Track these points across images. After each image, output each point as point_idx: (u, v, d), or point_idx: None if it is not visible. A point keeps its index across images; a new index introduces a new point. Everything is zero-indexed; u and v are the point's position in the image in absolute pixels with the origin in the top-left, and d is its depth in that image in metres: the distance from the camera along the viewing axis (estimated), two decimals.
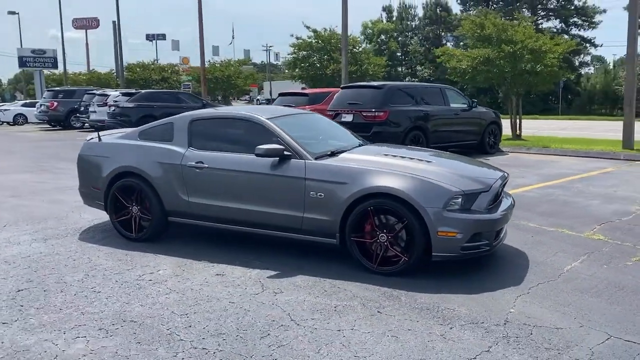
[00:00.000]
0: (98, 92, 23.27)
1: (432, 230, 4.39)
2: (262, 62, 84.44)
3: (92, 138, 6.20)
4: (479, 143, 13.01)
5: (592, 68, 58.46)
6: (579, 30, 50.84)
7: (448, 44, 58.47)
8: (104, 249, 5.45)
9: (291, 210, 4.91)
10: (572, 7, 50.12)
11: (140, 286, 4.44)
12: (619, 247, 5.43)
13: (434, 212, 4.38)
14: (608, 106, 47.45)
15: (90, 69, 44.81)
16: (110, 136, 6.18)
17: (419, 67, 55.54)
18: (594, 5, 49.08)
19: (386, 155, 5.29)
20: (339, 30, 25.17)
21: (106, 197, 5.79)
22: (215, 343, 3.44)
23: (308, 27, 24.44)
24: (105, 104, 20.35)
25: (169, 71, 38.94)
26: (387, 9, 63.86)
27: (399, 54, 58.59)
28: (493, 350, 3.31)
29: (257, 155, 4.94)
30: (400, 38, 60.16)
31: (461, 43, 58.39)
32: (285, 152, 4.96)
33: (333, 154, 5.17)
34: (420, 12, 60.88)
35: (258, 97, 69.80)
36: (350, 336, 3.51)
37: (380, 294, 4.22)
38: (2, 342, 3.47)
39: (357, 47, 24.37)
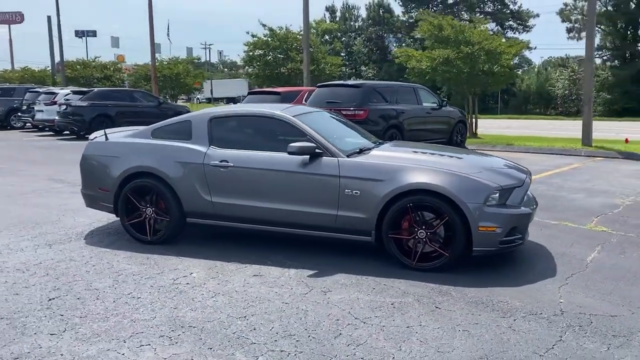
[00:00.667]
0: (42, 90, 22.12)
1: (473, 225, 4.47)
2: (207, 60, 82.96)
3: (96, 137, 5.89)
4: (447, 141, 13.34)
5: (520, 70, 61.21)
6: (515, 33, 53.09)
7: (391, 45, 59.65)
8: (120, 253, 5.20)
9: (324, 209, 4.86)
10: (508, 11, 52.27)
11: (180, 290, 4.26)
12: (626, 238, 5.72)
13: (475, 208, 4.46)
14: (542, 106, 49.85)
15: (23, 66, 42.39)
16: (116, 135, 5.89)
17: (363, 68, 56.25)
18: (527, 9, 51.34)
19: (415, 152, 5.34)
20: (293, 29, 25.17)
21: (116, 199, 5.53)
22: (290, 344, 3.36)
23: (264, 25, 24.25)
24: (53, 103, 19.37)
25: (112, 69, 37.54)
26: (331, 9, 64.32)
27: (343, 54, 59.10)
28: (566, 339, 3.41)
29: (290, 153, 4.86)
30: (343, 38, 60.71)
31: (403, 44, 59.71)
32: (317, 150, 4.90)
33: (361, 151, 5.16)
34: (363, 13, 61.70)
35: (197, 97, 68.23)
36: (423, 332, 3.52)
37: (429, 289, 4.26)
38: (62, 355, 3.25)
39: (314, 47, 24.37)
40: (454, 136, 13.55)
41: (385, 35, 59.74)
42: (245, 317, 3.76)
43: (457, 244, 4.55)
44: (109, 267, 4.80)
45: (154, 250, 5.27)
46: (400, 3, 56.63)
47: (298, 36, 23.67)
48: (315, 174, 4.88)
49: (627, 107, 40.65)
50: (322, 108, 10.66)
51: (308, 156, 4.92)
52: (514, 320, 3.70)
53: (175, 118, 5.73)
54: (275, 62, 23.90)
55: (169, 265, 4.85)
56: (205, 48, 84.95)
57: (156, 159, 5.36)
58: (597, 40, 47.42)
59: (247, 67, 25.03)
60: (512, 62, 18.44)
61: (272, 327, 3.60)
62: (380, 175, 4.71)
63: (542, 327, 3.59)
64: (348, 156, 4.94)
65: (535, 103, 50.87)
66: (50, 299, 4.09)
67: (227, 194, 5.15)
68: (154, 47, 24.55)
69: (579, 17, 44.81)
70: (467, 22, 20.01)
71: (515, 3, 52.86)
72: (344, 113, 10.61)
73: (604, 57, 46.44)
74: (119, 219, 5.66)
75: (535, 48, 68.77)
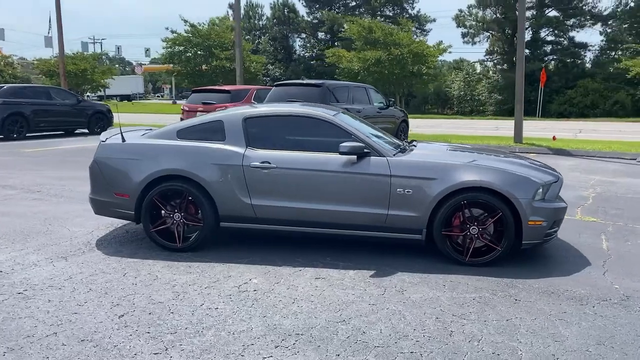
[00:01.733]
0: None
1: (524, 220, 4.71)
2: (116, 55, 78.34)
3: (108, 139, 5.43)
4: None
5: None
6: (413, 36, 55.60)
7: (296, 44, 60.10)
8: (155, 263, 4.85)
9: (374, 208, 4.87)
10: (407, 15, 54.66)
11: (253, 298, 4.08)
12: (620, 227, 6.29)
13: (525, 203, 4.70)
14: (439, 106, 52.70)
15: None
16: (132, 136, 5.47)
17: (270, 67, 56.12)
18: (425, 14, 54.06)
19: (454, 151, 5.49)
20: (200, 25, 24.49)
21: (138, 205, 5.15)
22: (413, 346, 3.35)
23: (186, 21, 23.37)
24: None
25: (2, 63, 34.35)
26: (233, 7, 63.43)
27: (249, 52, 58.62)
28: None
29: (342, 153, 4.82)
30: (248, 37, 60.17)
31: (307, 45, 60.25)
32: (365, 150, 4.90)
33: (402, 150, 5.23)
34: (267, 12, 61.51)
35: (88, 95, 64.10)
36: (525, 324, 3.66)
37: (495, 284, 4.42)
38: None
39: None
40: (399, 135, 13.99)
41: (290, 35, 60.02)
42: (344, 320, 3.69)
43: (508, 238, 4.76)
44: (155, 279, 4.47)
45: (187, 258, 4.99)
46: (304, 3, 57.23)
47: (222, 33, 23.15)
48: (366, 174, 4.87)
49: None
50: None
51: (355, 156, 4.89)
52: (593, 307, 3.96)
53: (201, 118, 5.44)
54: (196, 60, 23.15)
55: (219, 273, 4.61)
56: (94, 42, 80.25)
57: (189, 160, 5.06)
58: (486, 45, 51.19)
59: (166, 64, 23.95)
60: (436, 64, 19.35)
61: (381, 330, 3.56)
62: (433, 174, 4.80)
63: (625, 313, 3.87)
64: (394, 155, 4.98)
65: (433, 103, 53.67)
66: (119, 316, 3.74)
67: (269, 196, 4.99)
68: (62, 41, 22.78)
69: (473, 22, 47.87)
70: (394, 25, 20.70)
71: (413, 7, 55.34)
72: None
73: (494, 61, 49.99)
74: (123, 224, 5.28)
75: (450, 52, 72.20)
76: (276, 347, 3.33)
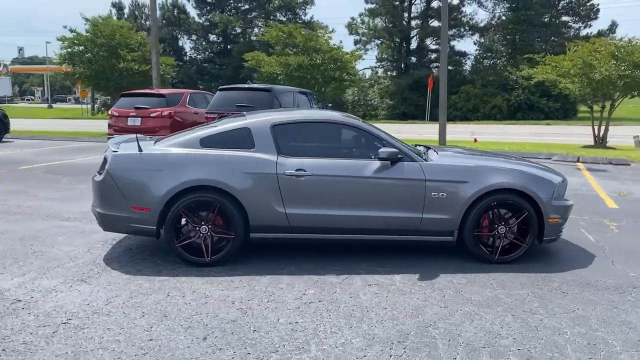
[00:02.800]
0: None
1: (545, 217, 5.07)
2: None
3: (121, 149, 4.99)
4: None
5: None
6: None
7: (186, 45, 58.49)
8: (190, 280, 4.56)
9: (410, 212, 4.97)
10: (301, 21, 55.43)
11: (326, 309, 3.99)
12: (587, 221, 6.94)
13: (547, 202, 5.06)
14: (334, 110, 54.08)
15: None
16: (146, 145, 5.08)
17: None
18: (318, 20, 55.19)
19: (471, 154, 5.72)
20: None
21: (160, 219, 4.81)
22: (515, 343, 3.50)
23: (87, 20, 21.75)
24: None
25: None
26: (118, 6, 60.24)
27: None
28: None
29: (381, 159, 4.88)
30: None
31: (199, 47, 58.79)
32: (399, 155, 4.99)
33: (421, 154, 5.36)
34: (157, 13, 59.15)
35: None
36: (591, 315, 3.95)
37: (533, 279, 4.70)
38: None
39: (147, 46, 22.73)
40: None
41: (180, 36, 58.29)
42: (432, 325, 3.75)
43: (532, 236, 5.09)
44: (206, 296, 4.21)
45: (219, 273, 4.75)
46: (195, 5, 55.93)
47: (126, 33, 21.91)
48: (402, 179, 4.96)
49: (406, 112, 46.43)
50: (232, 112, 10.39)
51: (389, 162, 4.96)
52: (631, 294, 4.36)
53: (225, 126, 5.17)
54: (99, 61, 21.65)
55: (269, 286, 4.45)
56: None
57: (219, 170, 4.82)
58: (375, 53, 53.35)
59: (64, 65, 22.13)
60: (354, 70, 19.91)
61: (474, 331, 3.66)
62: (466, 177, 5.00)
63: None
64: (424, 160, 5.11)
65: (329, 108, 55.07)
66: (203, 339, 3.50)
67: (304, 204, 4.90)
68: None
69: (365, 30, 49.70)
70: (311, 31, 20.92)
71: (305, 13, 56.24)
72: None
73: (384, 68, 52.25)
74: (118, 240, 4.93)
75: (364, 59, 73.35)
76: (390, 356, 3.30)
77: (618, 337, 3.60)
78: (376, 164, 4.95)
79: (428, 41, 49.99)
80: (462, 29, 49.96)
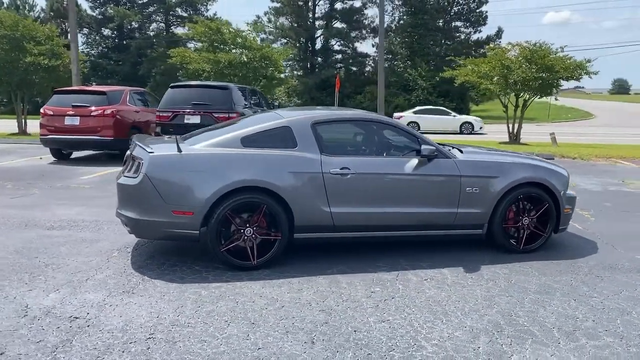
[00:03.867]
0: None
1: (562, 208, 5.46)
2: None
3: (156, 150, 4.65)
4: None
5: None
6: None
7: (80, 40, 54.84)
8: (249, 285, 4.38)
9: (446, 208, 5.14)
10: (203, 17, 54.04)
11: (404, 305, 4.03)
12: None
13: (562, 194, 5.46)
14: None
15: None
16: (182, 146, 4.78)
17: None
18: (222, 18, 54.13)
19: (490, 151, 5.97)
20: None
21: (204, 223, 4.58)
22: (595, 325, 3.76)
23: None
24: None
25: None
26: None
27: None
28: None
29: (424, 156, 5.00)
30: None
31: (92, 41, 55.41)
32: (435, 153, 5.13)
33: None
34: (42, 3, 54.86)
35: None
36: (637, 296, 4.35)
37: (564, 267, 5.04)
38: None
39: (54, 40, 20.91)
40: None
41: (69, 29, 54.52)
42: (514, 313, 3.92)
43: (551, 226, 5.46)
44: (277, 300, 4.08)
45: (270, 276, 4.61)
46: None
47: (32, 25, 20.08)
48: (440, 175, 5.10)
49: None
50: (187, 110, 10.06)
51: (427, 159, 5.09)
52: None
53: (263, 125, 4.99)
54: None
55: (330, 286, 4.39)
56: None
57: (265, 170, 4.67)
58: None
59: None
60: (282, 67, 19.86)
61: (555, 317, 3.88)
62: (496, 172, 5.26)
63: None
64: (456, 157, 5.30)
65: (277, 107, 54.54)
66: (312, 342, 3.40)
67: (348, 203, 4.89)
68: None
69: (272, 29, 49.59)
70: (239, 29, 20.50)
71: (207, 9, 54.99)
72: (217, 116, 10.25)
73: (291, 67, 52.50)
74: (131, 245, 4.67)
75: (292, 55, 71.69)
76: (502, 345, 3.42)
77: None
78: (414, 161, 5.05)
79: (333, 42, 50.96)
80: (364, 31, 51.50)
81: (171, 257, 5.04)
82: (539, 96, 18.09)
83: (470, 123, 26.64)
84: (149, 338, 3.42)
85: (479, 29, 50.11)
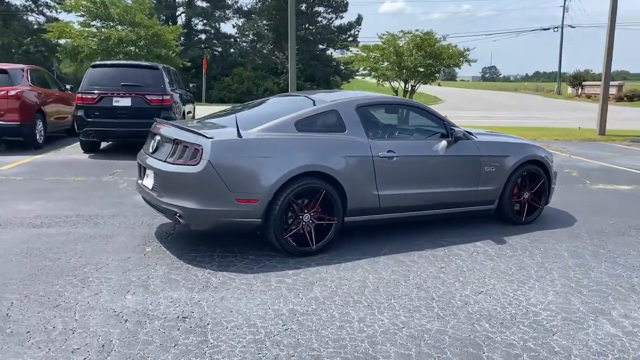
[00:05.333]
0: None
1: (552, 183, 6.15)
2: None
3: (213, 136, 4.33)
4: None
5: None
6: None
7: None
8: (319, 270, 4.35)
9: (470, 186, 5.51)
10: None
11: (484, 276, 4.32)
12: None
13: (553, 170, 6.14)
14: None
15: None
16: (243, 131, 4.50)
17: None
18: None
19: (496, 133, 6.43)
20: None
21: (267, 210, 4.42)
22: None
23: None
24: None
25: None
26: None
27: None
28: None
29: (457, 138, 5.30)
30: None
31: None
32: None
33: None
34: None
35: None
36: None
37: (566, 234, 5.68)
38: None
39: None
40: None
41: None
42: (580, 276, 4.41)
43: (545, 199, 6.11)
44: (364, 282, 4.12)
45: (331, 259, 4.61)
46: None
47: None
48: (466, 156, 5.45)
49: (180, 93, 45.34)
50: (116, 91, 9.41)
51: (452, 140, 5.41)
52: (631, 234, 5.69)
53: (312, 108, 4.87)
54: None
55: (400, 265, 4.53)
56: None
57: (323, 155, 4.62)
58: None
59: None
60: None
61: (611, 276, 4.44)
62: (508, 152, 5.74)
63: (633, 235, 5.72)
64: (474, 138, 5.67)
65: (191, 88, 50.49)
66: (439, 316, 3.55)
67: (392, 185, 5.03)
68: None
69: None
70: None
71: None
72: (150, 98, 9.71)
73: None
74: (154, 240, 4.52)
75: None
76: (603, 308, 3.86)
77: None
78: (444, 143, 5.31)
79: (196, 21, 49.22)
80: (227, 11, 50.45)
81: (213, 247, 4.77)
82: (424, 82, 19.41)
83: None
84: (287, 330, 3.30)
85: (340, 15, 51.73)
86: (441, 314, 3.59)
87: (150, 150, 4.78)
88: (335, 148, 4.70)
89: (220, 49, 49.60)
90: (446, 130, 5.39)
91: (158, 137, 4.76)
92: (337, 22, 51.51)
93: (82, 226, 5.37)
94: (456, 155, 5.38)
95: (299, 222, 4.58)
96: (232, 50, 49.74)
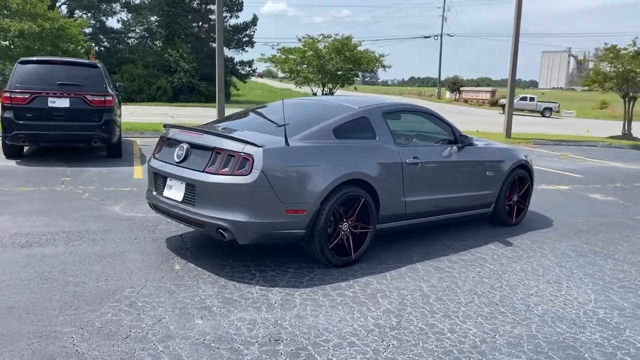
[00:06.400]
0: None
1: (532, 186, 6.56)
2: None
3: (264, 144, 4.06)
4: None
5: None
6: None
7: None
8: (372, 281, 4.30)
9: (475, 190, 5.71)
10: None
11: (526, 277, 4.52)
12: None
13: (533, 173, 6.56)
14: None
15: None
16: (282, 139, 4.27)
17: None
18: None
19: (486, 139, 6.65)
20: None
21: (313, 220, 4.27)
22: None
23: None
24: None
25: None
26: None
27: None
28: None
29: (470, 144, 5.47)
30: None
31: None
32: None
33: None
34: None
35: None
36: (600, 241, 5.63)
37: (555, 234, 6.11)
38: None
39: None
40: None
41: None
42: (597, 270, 4.76)
43: (528, 200, 6.50)
44: (420, 289, 4.13)
45: (374, 269, 4.56)
46: None
47: None
48: (474, 161, 5.64)
49: None
50: (51, 91, 8.64)
51: (460, 146, 5.58)
52: (589, 234, 6.25)
53: (345, 115, 4.73)
54: None
55: (440, 272, 4.59)
56: None
57: (362, 162, 4.56)
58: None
59: None
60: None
61: (627, 274, 4.85)
62: (503, 157, 6.02)
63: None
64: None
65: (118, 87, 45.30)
66: (528, 307, 3.67)
67: (416, 191, 5.07)
68: None
69: None
70: None
71: None
72: (90, 99, 9.03)
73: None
74: (173, 256, 4.36)
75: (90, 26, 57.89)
76: (624, 292, 4.19)
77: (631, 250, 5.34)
78: (455, 148, 5.47)
79: (79, 13, 45.91)
80: (114, 5, 47.73)
81: (243, 260, 4.52)
82: (342, 86, 19.75)
83: None
84: (390, 345, 3.22)
85: (235, 14, 51.02)
86: (517, 319, 3.68)
87: (176, 160, 4.40)
88: (370, 155, 4.65)
89: (107, 45, 46.74)
90: (454, 136, 5.54)
91: (185, 145, 4.39)
92: (232, 21, 50.73)
93: (79, 244, 4.81)
94: (466, 161, 5.56)
95: (338, 231, 4.46)
96: (120, 46, 47.10)
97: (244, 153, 4.02)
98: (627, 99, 21.71)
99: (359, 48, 19.21)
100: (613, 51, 21.07)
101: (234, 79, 51.28)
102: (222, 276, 4.17)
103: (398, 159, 4.84)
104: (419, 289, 4.13)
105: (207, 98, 42.92)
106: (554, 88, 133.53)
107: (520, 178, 6.30)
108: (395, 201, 4.85)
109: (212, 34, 50.53)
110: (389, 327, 3.46)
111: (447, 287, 4.20)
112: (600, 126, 29.23)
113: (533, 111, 44.15)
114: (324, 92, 19.41)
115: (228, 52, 51.03)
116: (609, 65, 21.18)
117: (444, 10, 72.94)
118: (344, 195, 4.38)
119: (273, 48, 19.52)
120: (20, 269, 4.13)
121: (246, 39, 51.88)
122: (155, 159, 4.75)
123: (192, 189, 4.18)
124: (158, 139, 5.02)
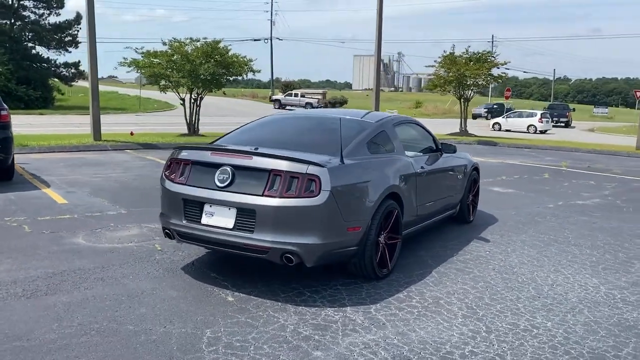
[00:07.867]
0: None
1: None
2: None
3: (327, 164, 3.96)
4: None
5: None
6: None
7: None
8: (416, 291, 4.48)
9: (451, 193, 6.18)
10: None
11: (541, 268, 5.05)
12: None
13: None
14: None
15: None
16: (326, 154, 4.19)
17: None
18: None
19: None
20: None
21: (364, 237, 4.31)
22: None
23: None
24: None
25: None
26: None
27: None
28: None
29: (455, 151, 5.91)
30: None
31: None
32: None
33: None
34: None
35: None
36: (606, 225, 6.55)
37: (518, 225, 6.85)
38: None
39: None
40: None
41: None
42: (577, 252, 5.49)
43: (477, 199, 7.17)
44: (468, 295, 4.38)
45: (411, 279, 4.71)
46: None
47: None
48: (453, 166, 6.14)
49: None
50: None
51: (441, 153, 6.00)
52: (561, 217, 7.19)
53: (370, 130, 4.81)
54: None
55: (472, 276, 4.90)
56: None
57: (394, 175, 4.70)
58: None
59: None
60: None
61: (600, 250, 5.65)
62: (465, 161, 6.58)
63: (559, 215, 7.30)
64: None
65: None
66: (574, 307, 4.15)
67: (422, 198, 5.33)
68: None
69: None
70: None
71: None
72: None
73: None
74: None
75: None
76: (612, 270, 4.95)
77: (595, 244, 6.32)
78: (443, 156, 5.89)
79: None
80: None
81: (291, 284, 4.37)
82: (210, 91, 19.18)
83: None
84: (498, 354, 3.43)
85: (56, 11, 46.42)
86: (586, 313, 4.02)
87: (219, 184, 4.07)
88: (397, 167, 4.82)
89: None
90: (435, 144, 5.92)
91: (228, 168, 4.09)
92: (52, 19, 46.03)
93: (91, 286, 4.21)
94: (448, 167, 5.99)
95: (378, 244, 4.54)
96: None
97: (308, 174, 3.90)
98: (462, 99, 24.56)
99: (230, 53, 18.86)
100: (451, 58, 23.65)
101: (58, 83, 46.62)
102: (284, 301, 4.01)
103: (412, 169, 5.06)
104: (469, 296, 4.32)
105: (26, 104, 38.20)
106: (365, 89, 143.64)
107: (474, 179, 6.93)
108: (411, 209, 5.07)
109: (26, 33, 45.43)
110: (484, 330, 3.65)
111: (489, 288, 4.49)
112: (433, 125, 32.47)
113: None
114: (192, 97, 18.66)
115: (47, 53, 46.41)
116: (447, 70, 23.69)
117: (272, 15, 74.91)
118: (386, 208, 4.47)
119: (137, 52, 18.09)
120: (57, 323, 3.51)
121: (69, 38, 47.46)
122: (180, 183, 4.33)
123: (250, 214, 3.92)
124: (168, 160, 4.58)
